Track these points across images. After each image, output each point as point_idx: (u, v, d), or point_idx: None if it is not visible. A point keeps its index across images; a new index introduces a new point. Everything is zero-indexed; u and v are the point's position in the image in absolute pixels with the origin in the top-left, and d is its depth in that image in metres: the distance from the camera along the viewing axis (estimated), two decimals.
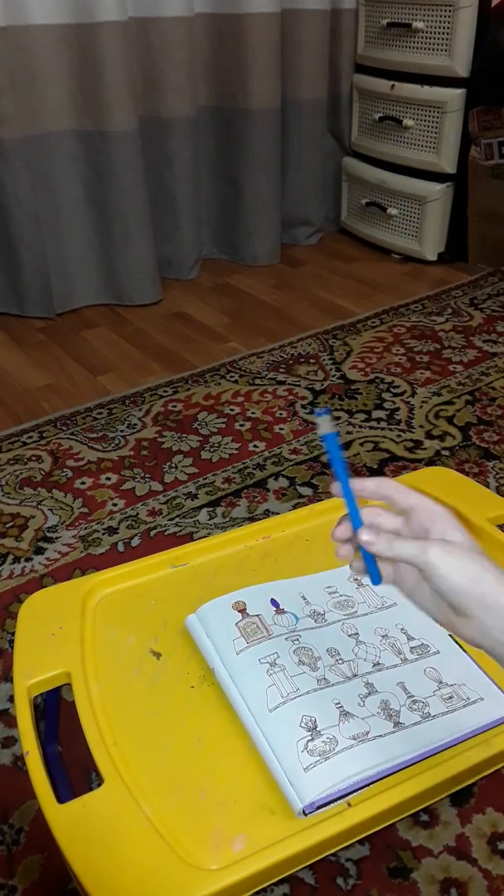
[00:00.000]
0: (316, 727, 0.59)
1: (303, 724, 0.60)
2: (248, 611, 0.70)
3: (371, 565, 0.51)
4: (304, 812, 0.54)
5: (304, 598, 0.72)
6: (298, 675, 0.64)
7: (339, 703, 0.61)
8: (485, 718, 0.61)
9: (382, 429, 1.47)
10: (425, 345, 1.78)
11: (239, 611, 0.70)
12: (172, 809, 0.56)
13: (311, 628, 0.69)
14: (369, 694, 0.63)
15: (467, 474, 1.30)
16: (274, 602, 0.71)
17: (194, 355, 1.79)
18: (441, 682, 0.64)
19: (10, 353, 1.81)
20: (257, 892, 0.54)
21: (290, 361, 1.73)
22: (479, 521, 0.81)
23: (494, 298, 2.00)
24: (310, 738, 0.59)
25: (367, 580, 0.52)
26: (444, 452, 1.40)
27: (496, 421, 1.49)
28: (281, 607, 0.71)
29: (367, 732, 0.59)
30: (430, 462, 1.37)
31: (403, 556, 0.46)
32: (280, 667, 0.64)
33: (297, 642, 0.67)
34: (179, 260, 2.13)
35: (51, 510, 1.28)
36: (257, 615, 0.69)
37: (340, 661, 0.66)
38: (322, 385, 1.63)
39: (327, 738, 0.59)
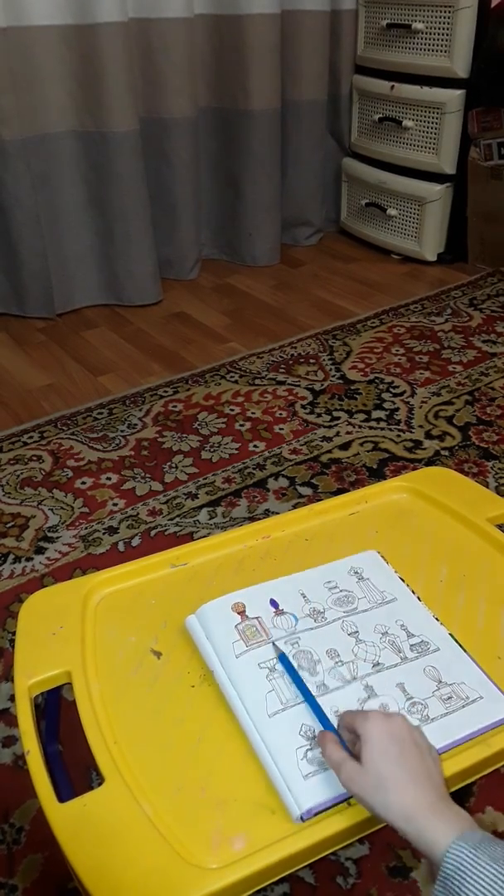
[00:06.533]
0: (315, 737, 0.59)
1: (301, 733, 0.59)
2: (247, 612, 0.70)
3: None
4: (301, 818, 0.55)
5: (304, 596, 0.72)
6: None
7: (338, 711, 0.61)
8: (483, 721, 0.61)
9: (382, 429, 1.48)
10: (425, 345, 1.78)
11: (238, 612, 0.70)
12: (173, 808, 0.56)
13: (311, 629, 0.69)
14: (368, 698, 0.63)
15: (467, 474, 1.30)
16: (273, 602, 0.71)
17: (194, 355, 1.79)
18: (440, 682, 0.64)
19: (10, 353, 1.81)
20: (257, 892, 0.55)
21: (290, 362, 1.73)
22: (479, 521, 0.81)
23: (494, 299, 2.00)
24: (309, 747, 0.58)
25: None
26: (443, 452, 1.40)
27: (496, 421, 1.49)
28: (280, 608, 0.71)
29: None
30: (430, 462, 1.37)
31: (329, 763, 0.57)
32: (280, 672, 0.64)
33: (296, 645, 0.67)
34: (179, 260, 2.13)
35: (51, 510, 1.28)
36: (256, 617, 0.69)
37: (340, 664, 0.65)
38: (322, 385, 1.63)
39: None
